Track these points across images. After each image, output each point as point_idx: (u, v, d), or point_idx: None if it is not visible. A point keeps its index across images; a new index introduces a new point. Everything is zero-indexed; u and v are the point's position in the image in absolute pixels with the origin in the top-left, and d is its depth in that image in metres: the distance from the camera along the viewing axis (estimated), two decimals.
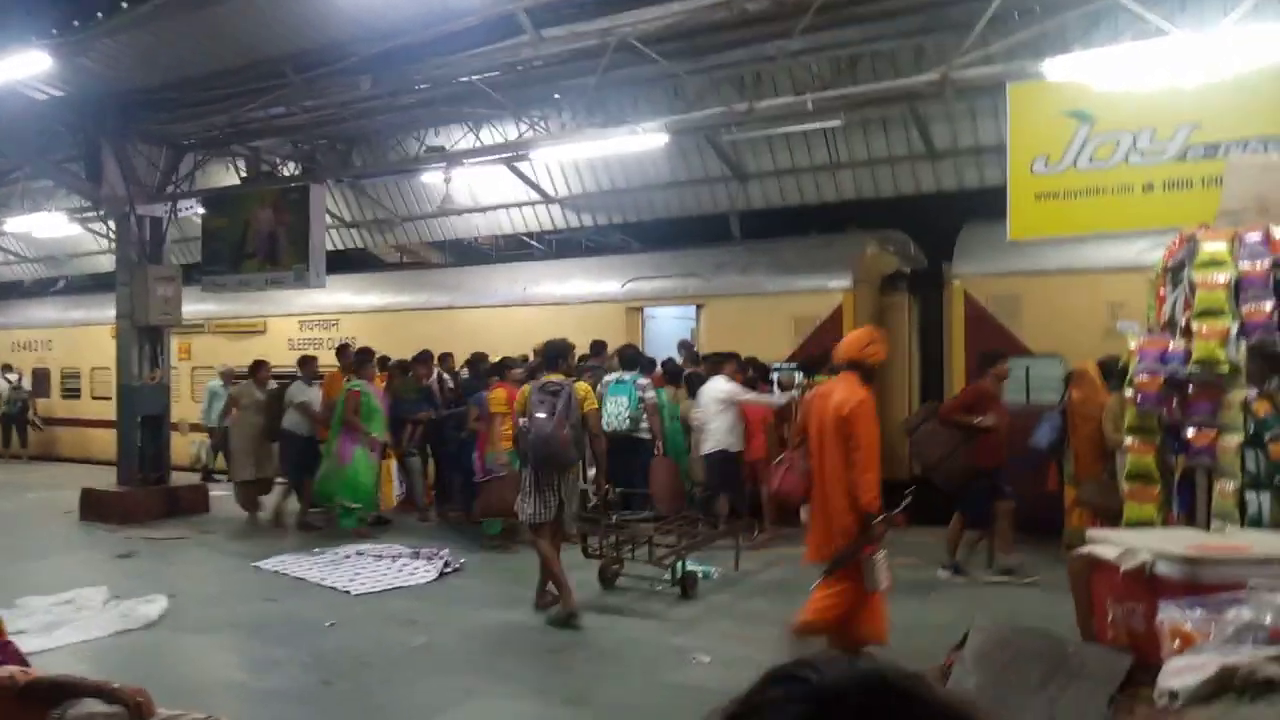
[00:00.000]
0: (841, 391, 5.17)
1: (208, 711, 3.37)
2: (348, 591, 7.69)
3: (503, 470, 8.98)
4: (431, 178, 13.48)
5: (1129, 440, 5.67)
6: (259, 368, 11.30)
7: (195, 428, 15.23)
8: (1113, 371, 7.54)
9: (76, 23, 8.18)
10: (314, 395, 10.74)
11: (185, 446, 15.15)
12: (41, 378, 18.78)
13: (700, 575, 7.77)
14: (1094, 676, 3.50)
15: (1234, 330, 5.12)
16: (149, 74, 9.96)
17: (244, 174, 12.48)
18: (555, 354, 7.17)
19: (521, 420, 6.84)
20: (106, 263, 16.23)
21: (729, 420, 9.37)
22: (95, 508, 11.23)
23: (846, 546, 5.03)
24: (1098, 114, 7.23)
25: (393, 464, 11.25)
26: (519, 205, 14.67)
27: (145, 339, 11.78)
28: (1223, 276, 5.16)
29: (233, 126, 11.34)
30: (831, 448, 5.14)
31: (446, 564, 8.40)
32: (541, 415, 6.64)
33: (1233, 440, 5.14)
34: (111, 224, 12.81)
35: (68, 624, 6.49)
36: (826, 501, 5.21)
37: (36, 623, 6.47)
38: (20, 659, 3.19)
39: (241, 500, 11.07)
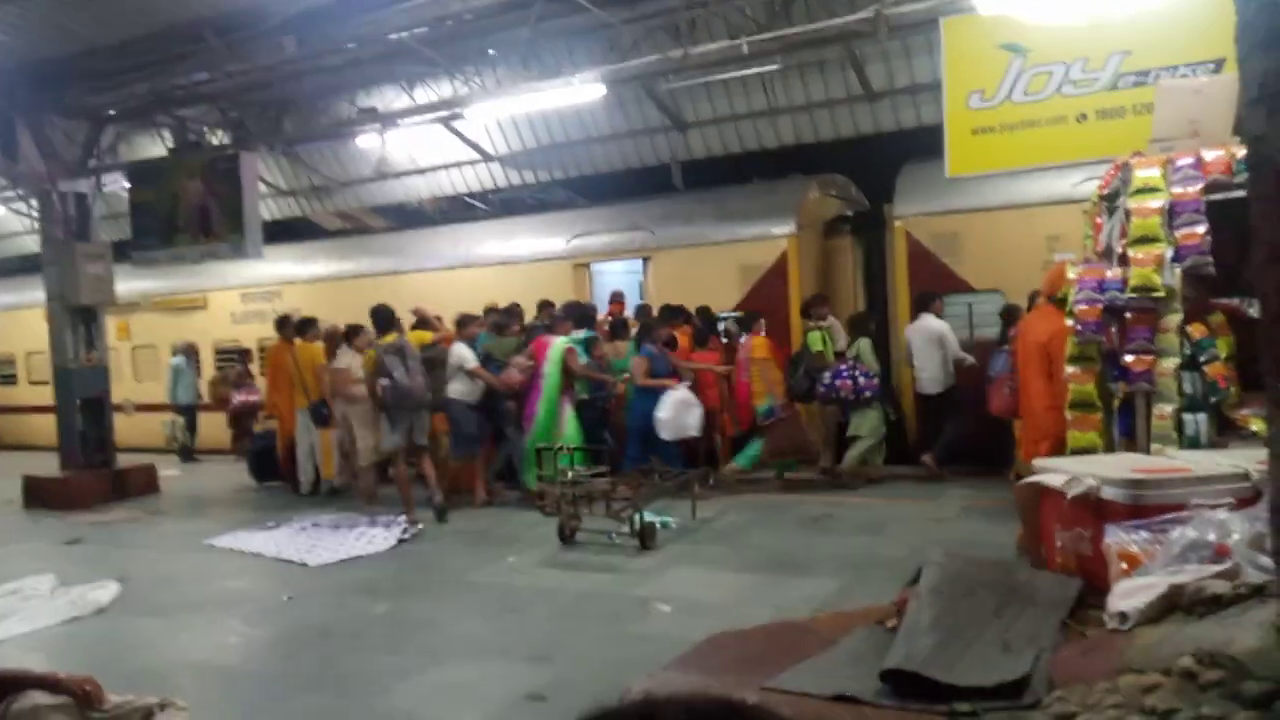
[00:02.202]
0: (1044, 324, 6.64)
1: (164, 695, 3.32)
2: (305, 564, 7.61)
3: (783, 412, 9.44)
4: (367, 141, 13.17)
5: (1070, 369, 5.76)
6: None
7: (158, 407, 14.93)
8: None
9: None
10: (470, 357, 9.37)
11: (156, 427, 14.88)
12: None
13: (659, 525, 7.81)
14: (1045, 602, 3.58)
15: (1168, 255, 5.21)
16: (59, 42, 9.54)
17: (171, 145, 12.08)
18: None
19: (383, 380, 8.60)
20: (33, 243, 15.70)
21: (940, 358, 9.51)
22: (39, 495, 10.97)
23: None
24: (1031, 46, 7.27)
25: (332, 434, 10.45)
26: (458, 165, 14.42)
27: (79, 320, 11.44)
28: (1156, 203, 5.23)
29: (155, 95, 10.94)
30: (1035, 371, 6.71)
31: (405, 530, 8.34)
32: (399, 372, 8.57)
33: (1170, 364, 5.26)
34: (34, 202, 12.34)
35: (14, 615, 6.32)
36: (1032, 414, 6.86)
37: None
38: None
39: (368, 485, 9.54)
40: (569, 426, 9.19)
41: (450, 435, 9.57)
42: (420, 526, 8.54)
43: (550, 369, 9.18)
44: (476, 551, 7.75)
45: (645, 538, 7.41)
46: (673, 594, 6.18)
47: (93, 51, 9.79)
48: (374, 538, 8.20)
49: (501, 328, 9.92)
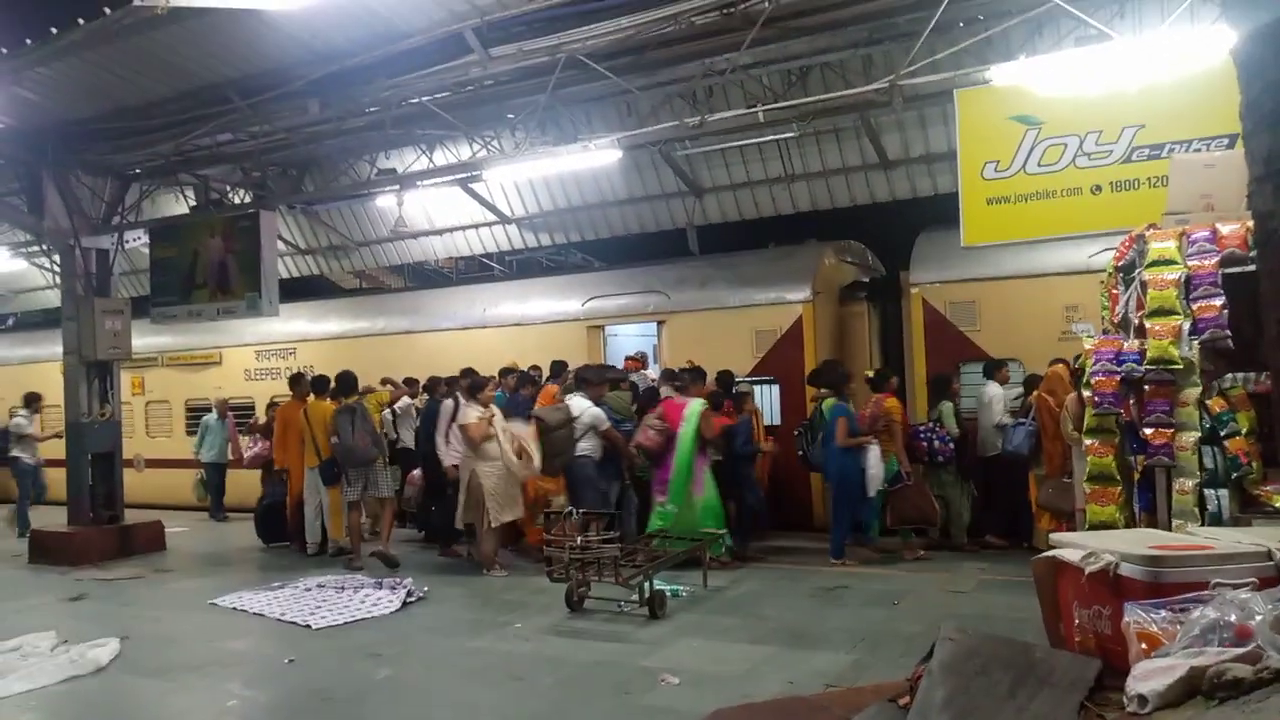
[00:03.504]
0: None
1: None
2: (308, 626, 7.49)
3: (909, 477, 9.16)
4: (385, 201, 13.34)
5: (1088, 442, 5.68)
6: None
7: (170, 463, 14.90)
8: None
9: (4, 50, 7.96)
10: (604, 418, 9.26)
11: (166, 483, 14.82)
12: None
13: (669, 594, 7.68)
14: (1062, 683, 3.46)
15: (1186, 328, 5.16)
16: (89, 103, 9.76)
17: (193, 203, 12.26)
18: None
19: (333, 438, 9.72)
20: (55, 298, 15.88)
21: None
22: (44, 550, 10.90)
23: None
24: (1045, 118, 7.33)
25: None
26: (475, 226, 14.57)
27: (94, 374, 11.50)
28: (1172, 275, 5.20)
29: (179, 155, 11.15)
30: None
31: (409, 593, 8.22)
32: (345, 432, 9.62)
33: (1189, 438, 5.17)
34: (56, 258, 12.51)
35: (13, 673, 6.22)
36: None
37: None
38: None
39: (491, 549, 9.24)
40: (708, 488, 9.07)
41: (573, 494, 9.24)
42: (426, 590, 8.43)
43: (686, 429, 9.04)
44: (482, 616, 7.62)
45: (655, 606, 7.27)
46: (682, 665, 6.04)
47: (120, 111, 10.00)
48: (379, 600, 8.08)
49: (531, 382, 10.17)
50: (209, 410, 14.40)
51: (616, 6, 7.68)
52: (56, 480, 12.73)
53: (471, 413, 9.20)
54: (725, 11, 7.45)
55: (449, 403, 9.87)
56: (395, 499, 10.49)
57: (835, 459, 9.04)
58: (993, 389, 9.57)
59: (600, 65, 8.45)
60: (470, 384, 9.52)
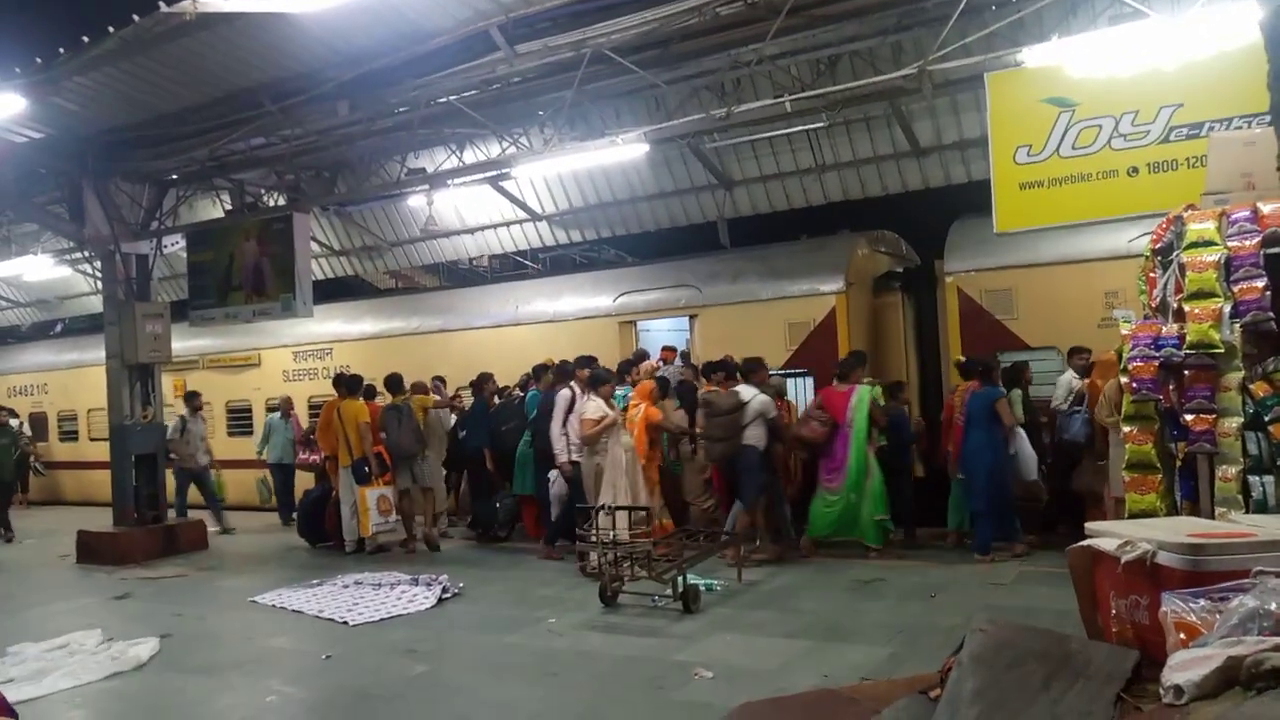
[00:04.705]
0: None
1: None
2: (346, 623, 7.56)
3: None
4: (417, 201, 13.42)
5: (1127, 429, 5.56)
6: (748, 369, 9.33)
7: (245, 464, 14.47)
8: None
9: (40, 60, 8.10)
10: (772, 407, 9.06)
11: (249, 484, 14.83)
12: (39, 422, 18.70)
13: (703, 589, 7.65)
14: (1099, 675, 3.38)
15: (1226, 310, 5.03)
16: (126, 111, 9.91)
17: (229, 206, 12.43)
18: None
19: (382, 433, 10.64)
20: (98, 303, 16.19)
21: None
22: (91, 550, 11.13)
23: None
24: (1078, 100, 7.18)
25: (370, 492, 10.47)
26: (506, 224, 14.62)
27: (136, 377, 11.69)
28: (1212, 256, 5.07)
29: (214, 160, 11.31)
30: None
31: (445, 589, 8.27)
32: (392, 428, 10.59)
33: (1232, 423, 5.05)
34: (98, 264, 12.74)
35: (58, 670, 6.36)
36: None
37: (27, 670, 6.36)
38: (7, 709, 3.09)
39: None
40: (875, 474, 8.98)
41: (736, 482, 9.11)
42: (461, 585, 8.47)
43: (858, 418, 8.95)
44: (517, 612, 7.65)
45: (689, 601, 7.25)
46: (715, 659, 6.01)
47: (157, 119, 10.15)
48: (415, 596, 8.14)
49: (601, 381, 9.68)
50: (248, 411, 14.46)
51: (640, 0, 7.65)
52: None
53: (597, 406, 9.08)
54: (749, 1, 7.38)
55: (565, 392, 9.65)
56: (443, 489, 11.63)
57: (984, 446, 8.67)
58: (1065, 376, 9.19)
59: (626, 59, 8.42)
60: (592, 375, 9.40)
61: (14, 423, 17.58)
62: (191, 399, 13.41)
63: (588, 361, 9.83)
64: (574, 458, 9.37)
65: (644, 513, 8.30)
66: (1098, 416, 7.68)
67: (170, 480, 12.44)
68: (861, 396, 9.00)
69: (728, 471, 9.24)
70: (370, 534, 10.50)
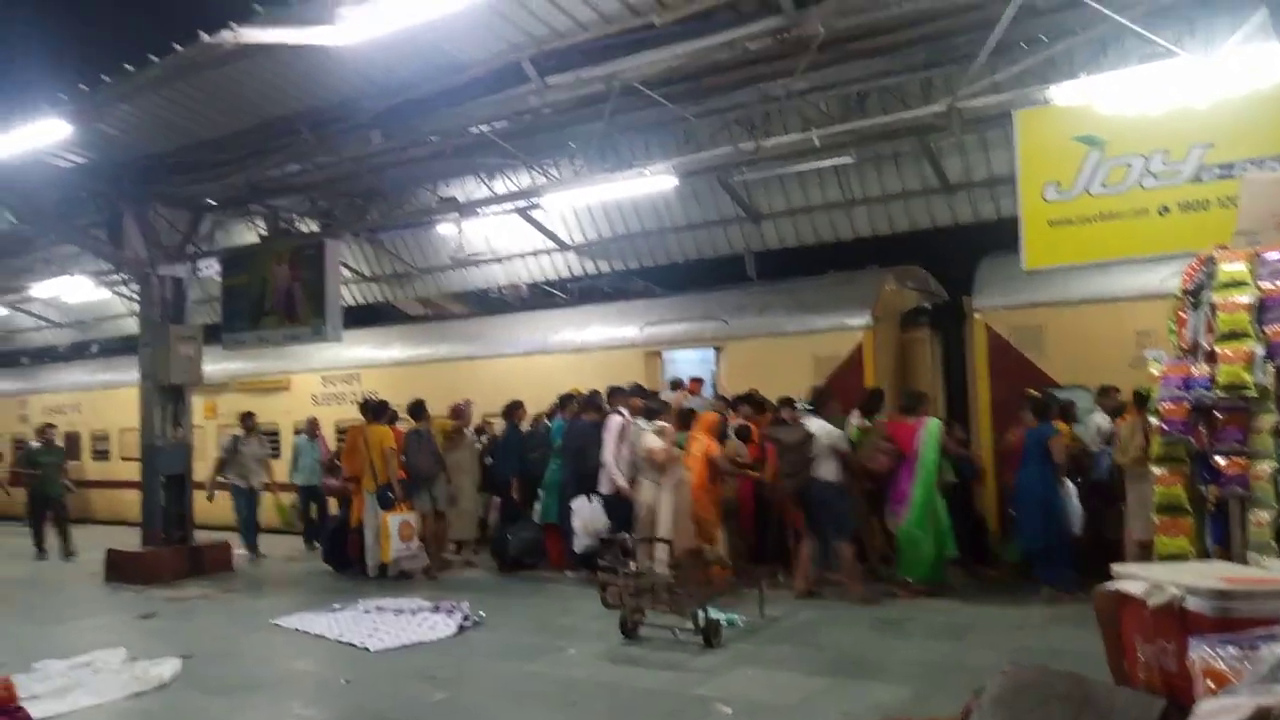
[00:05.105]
0: None
1: None
2: (366, 648, 7.57)
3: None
4: (447, 229, 13.56)
5: (1157, 471, 5.48)
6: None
7: (282, 487, 13.93)
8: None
9: (84, 86, 8.31)
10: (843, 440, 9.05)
11: (270, 507, 14.40)
12: (72, 441, 18.93)
13: (724, 623, 7.59)
14: None
15: (1259, 352, 4.97)
16: (165, 137, 10.11)
17: (264, 232, 12.62)
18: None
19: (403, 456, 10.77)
20: (134, 325, 16.43)
21: None
22: (119, 569, 11.24)
23: None
24: (1108, 138, 7.14)
25: (392, 518, 10.45)
26: (535, 254, 14.70)
27: (168, 399, 11.84)
28: (1244, 298, 5.02)
29: (250, 186, 11.49)
30: None
31: (466, 617, 8.27)
32: (412, 450, 10.87)
33: (1265, 467, 4.97)
34: (134, 286, 12.95)
35: (82, 687, 6.41)
36: None
37: (51, 687, 6.40)
38: None
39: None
40: (942, 509, 8.87)
41: (819, 521, 8.96)
42: (483, 614, 8.46)
43: (926, 451, 8.85)
44: (538, 641, 7.63)
45: (710, 635, 7.19)
46: (735, 695, 5.96)
47: (196, 145, 10.35)
48: (436, 624, 8.13)
49: (596, 408, 10.12)
50: (275, 435, 14.55)
51: (669, 34, 7.72)
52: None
53: (655, 438, 9.07)
54: (779, 37, 7.43)
55: (616, 419, 9.70)
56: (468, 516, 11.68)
57: (1041, 482, 8.62)
58: (1095, 416, 9.14)
59: (655, 92, 8.50)
60: (647, 406, 9.58)
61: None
62: (246, 419, 13.50)
63: (640, 391, 10.06)
64: (623, 484, 9.40)
65: (699, 551, 8.27)
66: (1116, 457, 7.59)
67: (227, 499, 12.89)
68: (931, 430, 8.89)
69: (801, 507, 9.09)
70: (391, 560, 10.50)
